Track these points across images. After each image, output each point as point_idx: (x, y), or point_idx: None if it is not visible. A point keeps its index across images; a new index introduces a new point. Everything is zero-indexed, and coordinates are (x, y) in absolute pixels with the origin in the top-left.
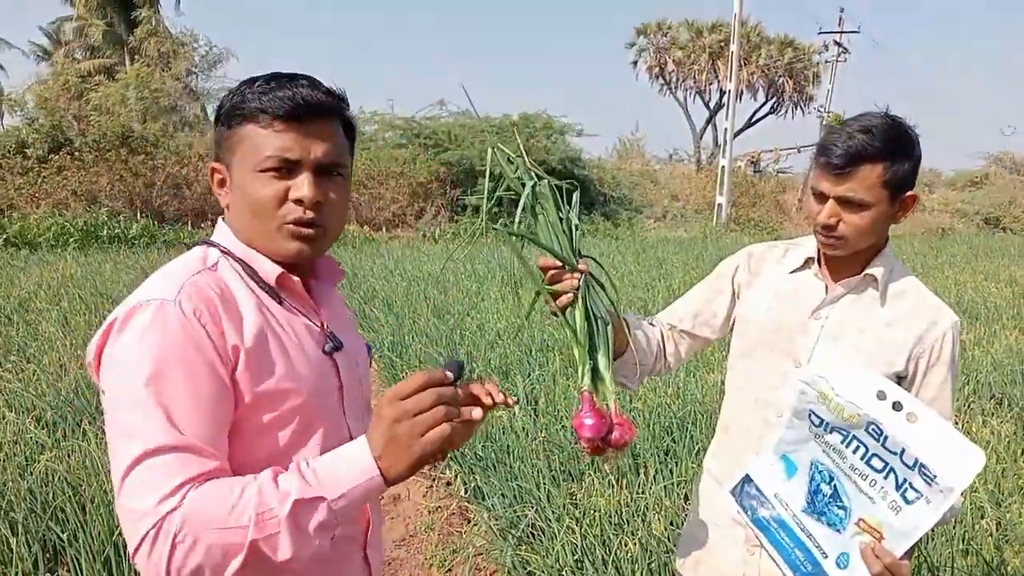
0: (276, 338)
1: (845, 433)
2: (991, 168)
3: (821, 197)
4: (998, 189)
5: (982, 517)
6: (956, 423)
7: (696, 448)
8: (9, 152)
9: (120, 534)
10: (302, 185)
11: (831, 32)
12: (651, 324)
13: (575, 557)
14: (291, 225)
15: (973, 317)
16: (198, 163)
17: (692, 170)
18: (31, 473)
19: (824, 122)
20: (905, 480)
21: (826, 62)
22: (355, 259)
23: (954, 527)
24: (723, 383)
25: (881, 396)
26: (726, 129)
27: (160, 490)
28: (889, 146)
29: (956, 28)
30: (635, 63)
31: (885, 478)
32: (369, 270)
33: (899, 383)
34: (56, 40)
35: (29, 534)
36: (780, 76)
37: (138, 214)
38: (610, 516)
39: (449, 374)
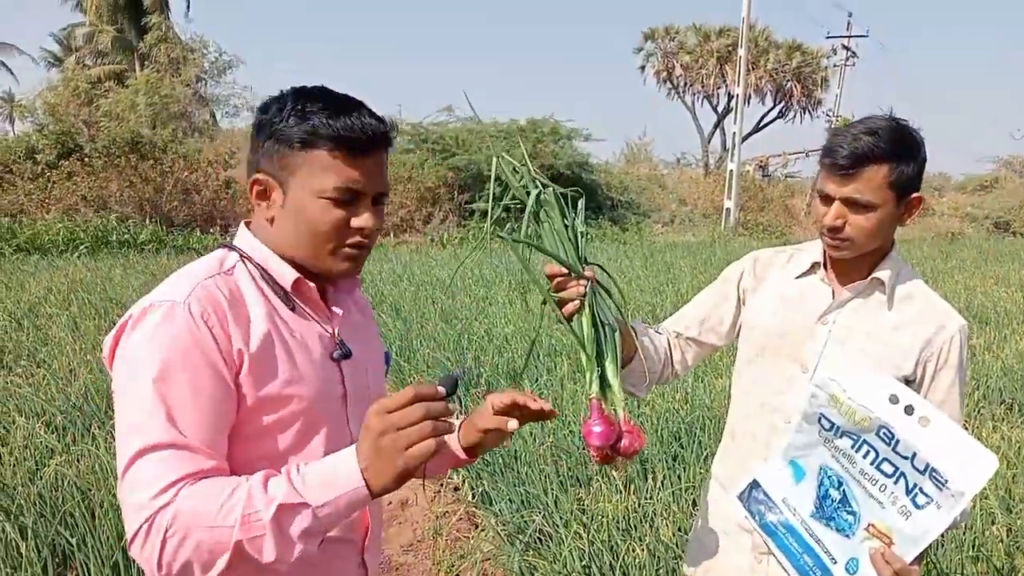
0: (283, 343)
1: (855, 437)
2: (1001, 172)
3: (827, 199)
4: (1008, 193)
5: (992, 523)
6: (966, 428)
7: (704, 454)
8: (19, 158)
9: None
10: (365, 216)
11: (839, 36)
12: (657, 332)
13: (583, 563)
14: (347, 249)
15: (983, 322)
16: (207, 169)
17: (700, 174)
18: (41, 478)
19: (832, 126)
20: (916, 485)
21: (834, 66)
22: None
23: (964, 533)
24: (730, 389)
25: (894, 400)
26: (734, 133)
27: (156, 485)
28: (894, 147)
29: (965, 31)
30: (643, 68)
31: (895, 483)
32: (377, 275)
33: (907, 387)
34: (67, 46)
35: (38, 538)
36: (788, 80)
37: (147, 219)
38: (618, 522)
39: (441, 389)
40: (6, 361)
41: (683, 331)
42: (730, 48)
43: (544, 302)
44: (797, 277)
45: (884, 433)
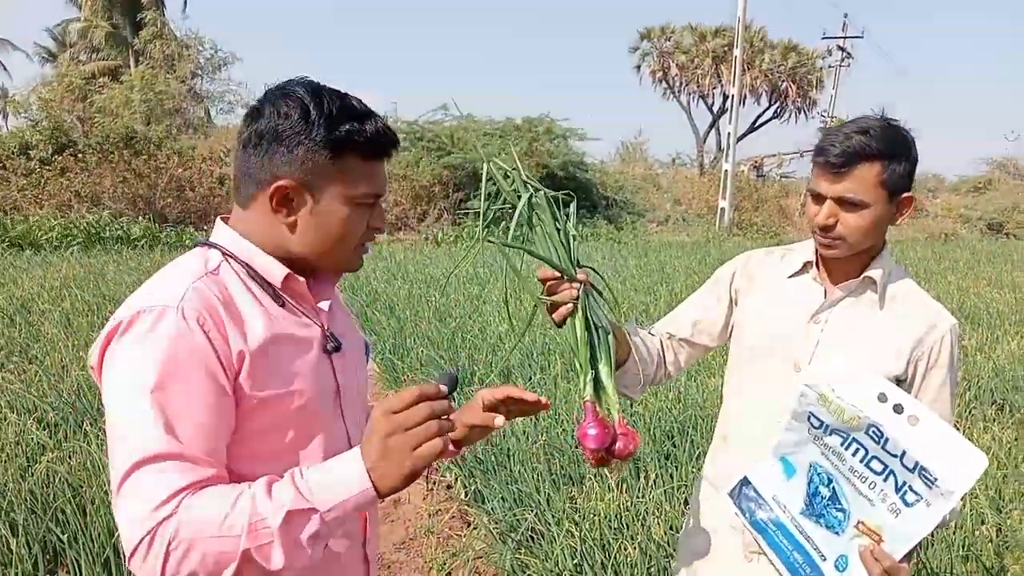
0: (279, 341)
1: (845, 435)
2: (994, 174)
3: (819, 198)
4: (1001, 195)
5: (982, 523)
6: (957, 428)
7: (697, 453)
8: (13, 154)
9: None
10: (381, 216)
11: (835, 37)
12: (650, 333)
13: (574, 561)
14: (360, 247)
15: (975, 323)
16: (201, 165)
17: (695, 174)
18: (32, 474)
19: (827, 127)
20: (905, 483)
21: (829, 67)
22: None
23: (954, 533)
24: (722, 389)
25: (882, 398)
26: (729, 133)
27: (156, 497)
28: (886, 146)
29: (961, 32)
30: (638, 67)
31: (885, 480)
32: (371, 273)
33: (898, 386)
34: (61, 42)
35: (29, 535)
36: (783, 81)
37: (141, 216)
38: (610, 520)
39: (443, 387)
40: None
41: (676, 332)
42: (726, 48)
43: (536, 306)
44: (789, 277)
45: (873, 431)
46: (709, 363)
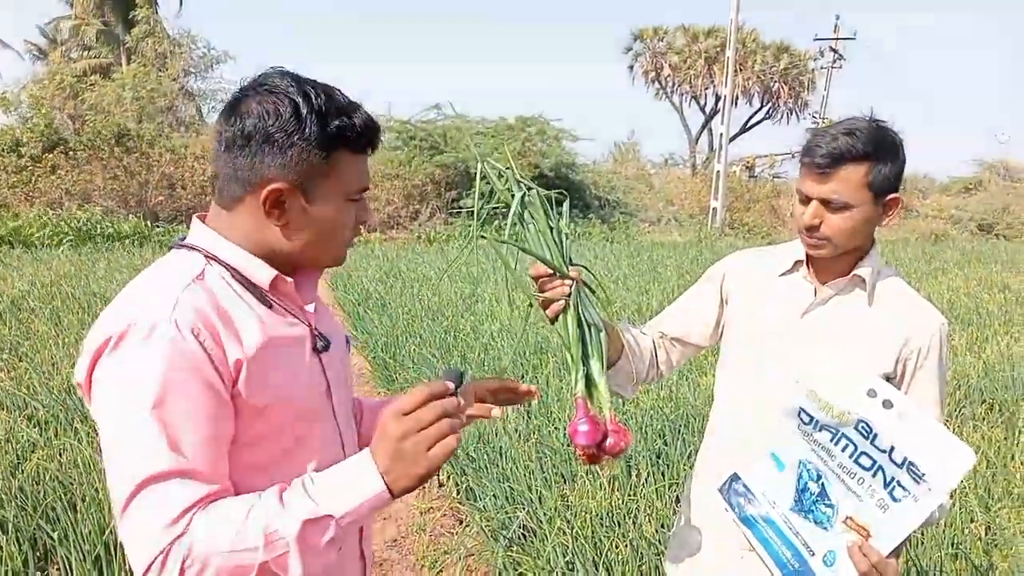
0: (273, 345)
1: (834, 431)
2: (985, 175)
3: (805, 198)
4: (991, 196)
5: (971, 521)
6: (946, 426)
7: (688, 451)
8: (3, 151)
9: (111, 533)
10: (367, 210)
11: (827, 39)
12: (643, 332)
13: (566, 558)
14: (348, 240)
15: (965, 323)
16: (193, 163)
17: (687, 174)
18: (22, 472)
19: (817, 127)
20: (893, 478)
21: (821, 68)
22: (349, 260)
23: (943, 531)
24: (714, 388)
25: (872, 394)
26: (721, 134)
27: (166, 516)
28: (872, 148)
29: (952, 35)
30: (631, 67)
31: (873, 476)
32: (364, 271)
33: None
34: (52, 39)
35: (20, 533)
36: (775, 82)
37: (131, 214)
38: (601, 518)
39: (450, 384)
40: None
41: (667, 331)
42: (718, 49)
43: (531, 304)
44: (780, 275)
45: (862, 427)
46: (700, 362)
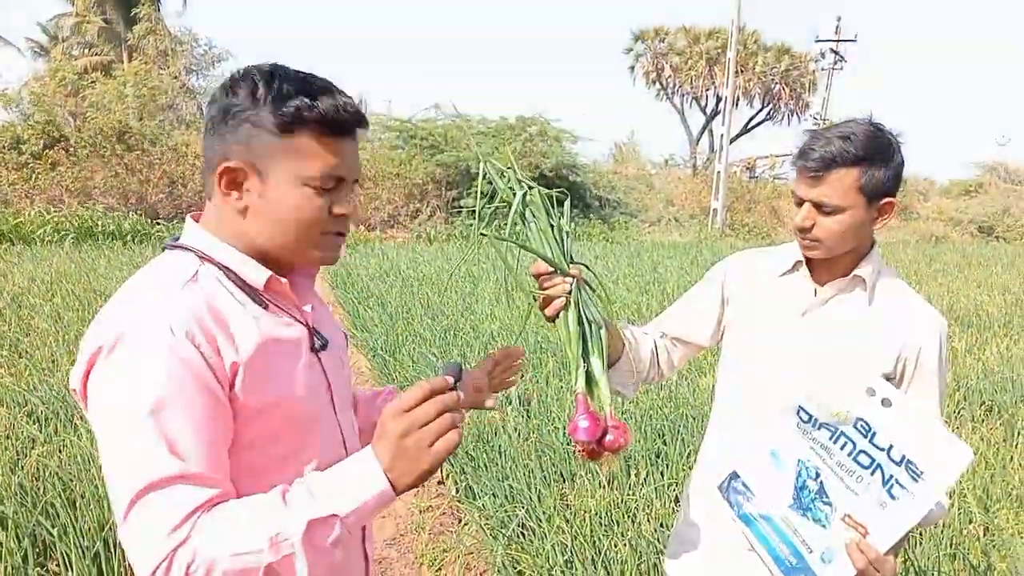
0: (269, 346)
1: (833, 430)
2: (985, 177)
3: (799, 200)
4: (992, 198)
5: (970, 522)
6: (946, 427)
7: (687, 451)
8: (4, 148)
9: (110, 530)
10: (345, 201)
11: (828, 40)
12: (644, 333)
13: (565, 557)
14: (328, 236)
15: (965, 325)
16: (194, 161)
17: (688, 175)
18: (22, 468)
19: (814, 129)
20: (891, 476)
21: (822, 70)
22: (349, 259)
23: (942, 531)
24: (714, 387)
25: (871, 393)
26: (722, 135)
27: (168, 522)
28: (865, 152)
29: (955, 37)
30: (632, 68)
31: (871, 474)
32: (363, 270)
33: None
34: (53, 37)
35: (19, 528)
36: (776, 83)
37: (132, 211)
38: (600, 517)
39: (449, 379)
40: None
41: (668, 331)
42: (719, 50)
43: (532, 301)
44: (780, 275)
45: (861, 425)
46: (699, 362)
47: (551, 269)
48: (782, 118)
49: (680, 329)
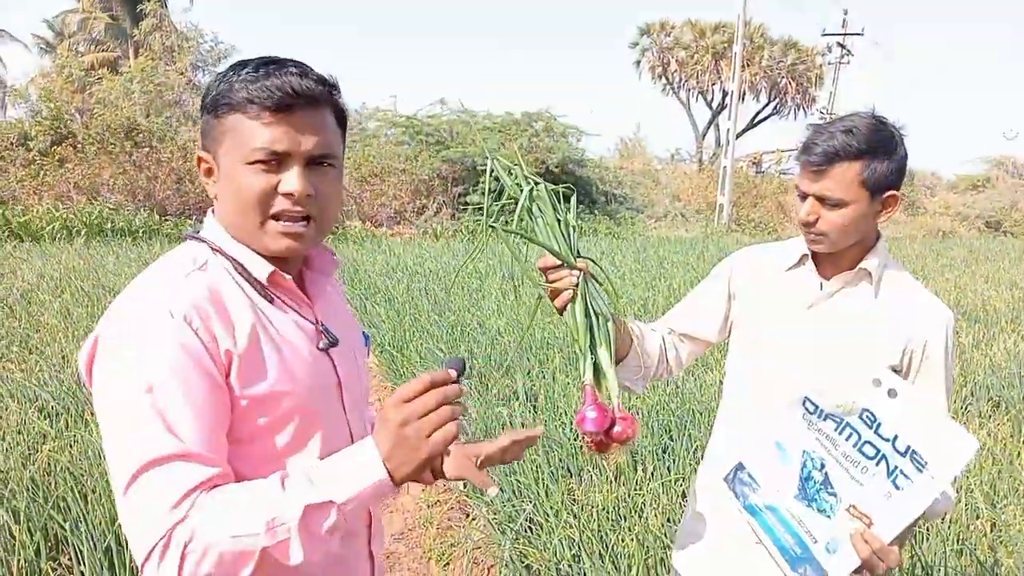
0: (269, 339)
1: (839, 421)
2: (993, 172)
3: (802, 194)
4: (999, 193)
5: (977, 518)
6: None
7: (694, 447)
8: (11, 144)
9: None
10: (292, 179)
11: (834, 34)
12: (652, 329)
13: (572, 552)
14: (280, 221)
15: (972, 320)
16: None
17: (694, 170)
18: (33, 462)
19: (819, 123)
20: (896, 467)
21: (829, 64)
22: (356, 255)
23: (948, 527)
24: (721, 383)
25: (877, 383)
26: (728, 130)
27: (167, 500)
28: (868, 145)
29: (961, 31)
30: (638, 63)
31: (876, 465)
32: (371, 266)
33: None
34: (59, 33)
35: (31, 522)
36: (783, 77)
37: (140, 208)
38: (608, 512)
39: (452, 372)
40: None
41: (676, 327)
42: (725, 44)
43: (540, 297)
44: (787, 270)
45: (867, 416)
46: (706, 358)
47: (558, 263)
48: (788, 112)
49: (688, 325)
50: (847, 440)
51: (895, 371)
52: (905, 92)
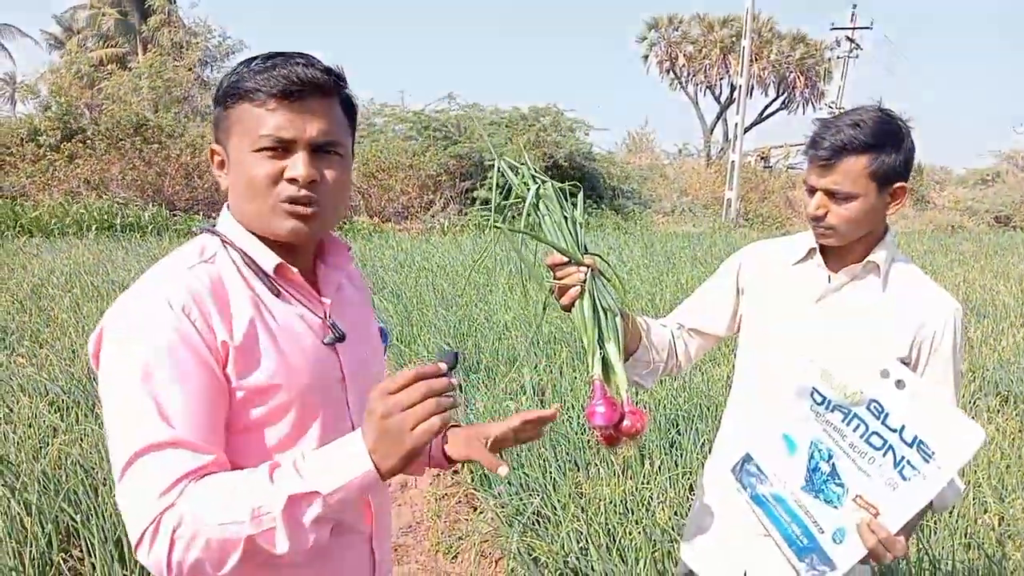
0: (268, 332)
1: (846, 412)
2: (1002, 166)
3: (811, 189)
4: (1009, 187)
5: (985, 512)
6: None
7: (702, 440)
8: (21, 140)
9: None
10: (296, 164)
11: (843, 28)
12: (661, 325)
13: (580, 545)
14: (286, 204)
15: (981, 315)
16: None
17: (701, 165)
18: (45, 456)
19: (826, 119)
20: (903, 457)
21: (838, 58)
22: (364, 250)
23: (956, 520)
24: (730, 377)
25: (885, 374)
26: (736, 124)
27: (157, 486)
28: (875, 139)
29: (970, 25)
30: (646, 57)
31: (883, 455)
32: (378, 261)
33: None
34: (68, 29)
35: (43, 515)
36: (791, 72)
37: (149, 203)
38: (615, 505)
39: (443, 365)
40: (9, 341)
41: (685, 323)
42: (733, 38)
43: (549, 292)
44: (795, 264)
45: (874, 407)
46: (714, 353)
47: (565, 259)
48: (797, 107)
49: (697, 321)
50: (854, 431)
51: (904, 363)
52: (915, 86)
